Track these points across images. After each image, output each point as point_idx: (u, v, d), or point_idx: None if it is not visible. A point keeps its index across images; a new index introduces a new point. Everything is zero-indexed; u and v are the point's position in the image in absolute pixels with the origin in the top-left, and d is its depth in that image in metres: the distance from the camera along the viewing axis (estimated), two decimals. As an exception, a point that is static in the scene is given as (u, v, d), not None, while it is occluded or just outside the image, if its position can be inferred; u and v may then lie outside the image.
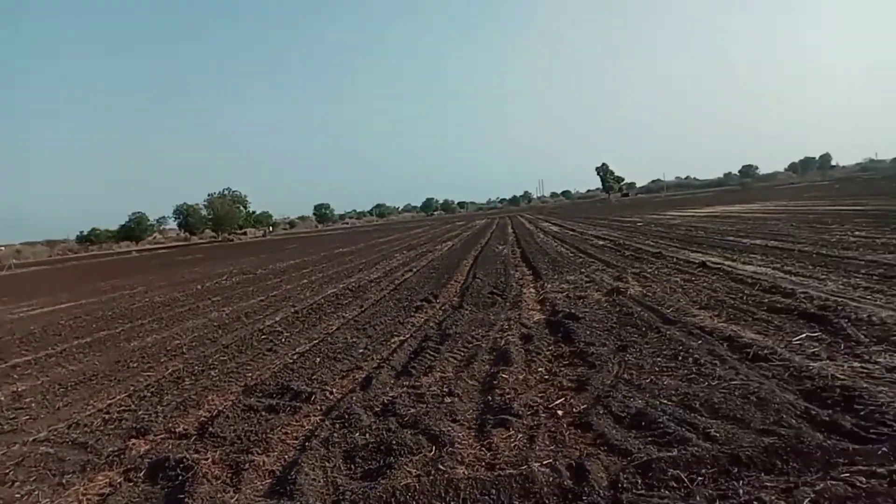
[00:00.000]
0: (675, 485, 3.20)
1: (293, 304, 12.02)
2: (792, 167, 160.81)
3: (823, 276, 9.25)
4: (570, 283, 11.12)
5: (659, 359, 5.65)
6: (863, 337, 5.64)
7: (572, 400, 4.82)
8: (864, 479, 3.01)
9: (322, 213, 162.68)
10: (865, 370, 4.81)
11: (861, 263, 10.03)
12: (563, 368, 5.80)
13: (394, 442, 4.13)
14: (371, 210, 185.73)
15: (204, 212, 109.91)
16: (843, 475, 3.09)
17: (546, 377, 5.57)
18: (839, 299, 7.34)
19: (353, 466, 3.95)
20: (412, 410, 4.83)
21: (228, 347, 8.39)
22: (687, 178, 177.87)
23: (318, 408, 5.34)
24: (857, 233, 15.02)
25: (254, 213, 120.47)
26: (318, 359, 7.10)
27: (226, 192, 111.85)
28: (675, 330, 6.60)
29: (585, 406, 4.60)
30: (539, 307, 9.22)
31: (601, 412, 4.40)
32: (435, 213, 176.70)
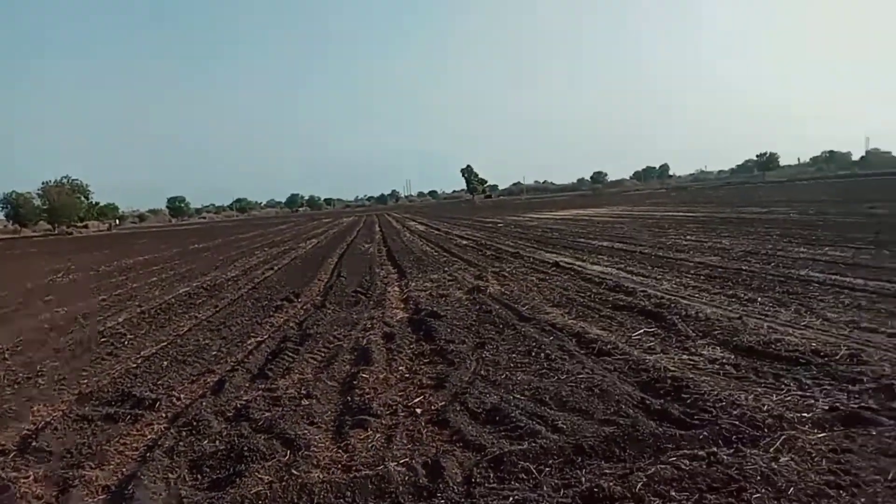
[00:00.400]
0: (524, 477, 3.34)
1: (139, 304, 11.13)
2: (636, 175, 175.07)
3: (660, 276, 10.14)
4: (434, 281, 11.30)
5: (514, 355, 5.89)
6: (691, 332, 6.23)
7: (431, 398, 4.88)
8: (687, 462, 3.32)
9: (176, 206, 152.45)
10: (692, 362, 5.32)
11: (691, 265, 11.11)
12: (423, 366, 5.87)
13: (245, 448, 3.94)
14: (231, 205, 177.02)
15: (38, 202, 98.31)
16: (671, 459, 3.39)
17: (407, 376, 5.60)
18: (672, 297, 8.08)
19: (199, 476, 3.72)
20: (267, 414, 4.64)
21: (61, 352, 7.58)
22: (545, 182, 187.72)
23: (164, 415, 4.97)
24: (688, 237, 16.64)
25: (97, 204, 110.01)
26: (166, 362, 6.63)
27: (64, 180, 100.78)
28: (530, 327, 6.92)
29: (444, 403, 4.68)
30: (403, 306, 9.27)
31: (458, 409, 4.49)
32: (300, 209, 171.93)
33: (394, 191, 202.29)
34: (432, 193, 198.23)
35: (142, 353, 7.22)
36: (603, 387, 4.68)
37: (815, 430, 3.66)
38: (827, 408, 3.99)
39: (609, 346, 5.84)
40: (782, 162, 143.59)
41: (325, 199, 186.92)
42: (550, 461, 3.49)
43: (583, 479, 3.25)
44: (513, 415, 4.24)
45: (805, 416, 3.85)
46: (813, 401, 4.15)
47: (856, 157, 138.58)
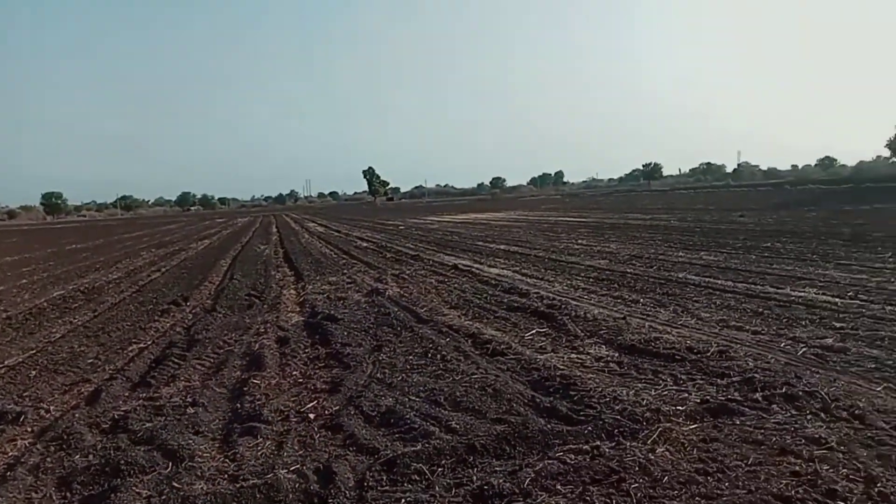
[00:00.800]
0: (417, 478, 3.35)
1: (5, 309, 10.17)
2: (533, 181, 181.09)
3: (552, 279, 10.53)
4: (332, 284, 11.12)
5: (411, 357, 5.90)
6: (580, 332, 6.51)
7: (325, 402, 4.79)
8: (573, 457, 3.47)
9: (52, 202, 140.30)
10: (580, 360, 5.56)
11: (581, 268, 11.63)
12: (318, 371, 5.76)
13: (122, 461, 3.69)
14: (115, 202, 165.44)
15: None
16: (558, 454, 3.52)
17: (301, 381, 5.47)
18: (563, 299, 8.41)
19: (68, 494, 3.43)
20: (148, 425, 4.37)
21: None
22: (446, 185, 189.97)
23: (30, 429, 4.57)
24: (579, 241, 17.40)
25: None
26: (34, 372, 6.10)
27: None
28: (428, 329, 6.96)
29: (338, 407, 4.61)
30: (299, 309, 9.06)
31: (353, 413, 4.44)
32: (192, 208, 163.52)
33: (292, 191, 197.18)
34: (333, 194, 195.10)
35: (5, 362, 6.59)
36: (496, 386, 4.79)
37: (688, 422, 3.93)
38: (699, 400, 4.29)
39: (503, 347, 5.99)
40: (665, 172, 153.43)
41: (220, 199, 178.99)
42: (443, 461, 3.52)
43: (474, 477, 3.31)
44: (407, 417, 4.25)
45: (679, 409, 4.12)
46: (686, 394, 4.45)
47: (729, 169, 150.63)
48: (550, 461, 3.42)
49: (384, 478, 3.37)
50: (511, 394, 4.61)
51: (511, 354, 5.74)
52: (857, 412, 3.92)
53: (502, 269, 12.34)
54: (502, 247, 16.96)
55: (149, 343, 7.18)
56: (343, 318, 7.81)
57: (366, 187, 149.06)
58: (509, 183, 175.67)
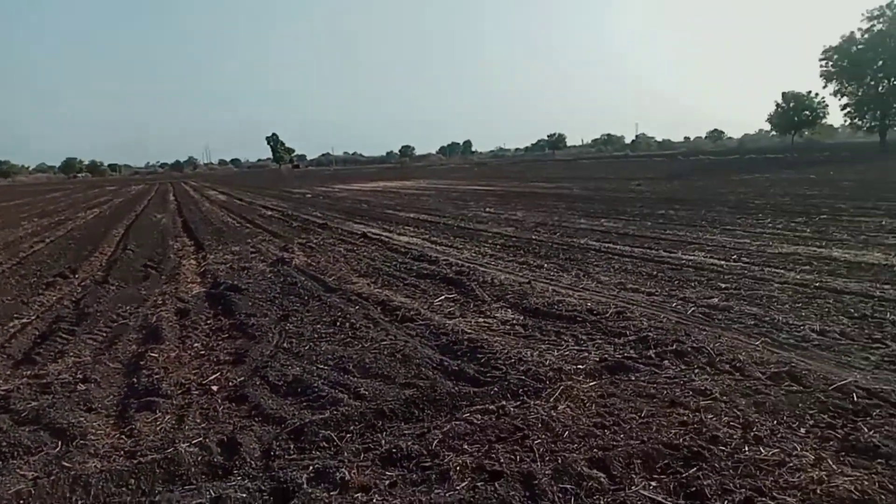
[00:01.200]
0: (325, 445, 3.33)
1: None
2: (442, 150, 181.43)
3: (461, 246, 10.67)
4: (235, 254, 10.73)
5: (319, 326, 5.82)
6: (487, 297, 6.65)
7: (229, 373, 4.65)
8: (479, 417, 3.56)
9: None
10: (487, 324, 5.69)
11: (489, 235, 11.84)
12: (221, 342, 5.57)
13: (4, 443, 3.43)
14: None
15: None
16: (465, 415, 3.60)
17: (202, 353, 5.27)
18: (472, 265, 8.55)
19: (-59, 483, 3.16)
20: (33, 404, 4.07)
21: None
22: (354, 153, 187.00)
23: None
24: (487, 209, 17.67)
25: None
26: None
27: None
28: (336, 297, 6.88)
29: (243, 378, 4.49)
30: (200, 280, 8.69)
31: (258, 383, 4.34)
32: (79, 175, 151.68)
33: (191, 157, 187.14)
34: (235, 161, 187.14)
35: None
36: (405, 352, 4.81)
37: (588, 380, 4.12)
38: (598, 359, 4.50)
39: (412, 313, 6.02)
40: (569, 142, 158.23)
41: (110, 165, 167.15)
42: (352, 427, 3.52)
43: (383, 441, 3.33)
44: (315, 385, 4.20)
45: (580, 368, 4.31)
46: (587, 354, 4.66)
47: (628, 140, 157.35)
48: (458, 422, 3.50)
49: (291, 446, 3.32)
50: (420, 359, 4.65)
51: (420, 320, 5.78)
52: (738, 365, 4.24)
53: (412, 237, 12.35)
54: (412, 215, 16.95)
55: (33, 318, 6.67)
56: (247, 288, 7.57)
57: (270, 154, 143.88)
58: (418, 152, 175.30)
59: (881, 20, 54.15)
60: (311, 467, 3.06)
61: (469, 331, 5.37)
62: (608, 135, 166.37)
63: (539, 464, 3.00)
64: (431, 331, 5.44)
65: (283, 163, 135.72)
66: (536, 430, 3.36)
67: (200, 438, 3.45)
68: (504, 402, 3.75)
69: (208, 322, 6.25)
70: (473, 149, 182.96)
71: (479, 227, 13.36)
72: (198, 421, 3.79)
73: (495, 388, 3.96)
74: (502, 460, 3.05)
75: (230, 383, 4.45)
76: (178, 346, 5.43)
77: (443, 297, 6.77)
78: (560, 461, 3.00)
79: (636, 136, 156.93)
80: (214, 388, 4.36)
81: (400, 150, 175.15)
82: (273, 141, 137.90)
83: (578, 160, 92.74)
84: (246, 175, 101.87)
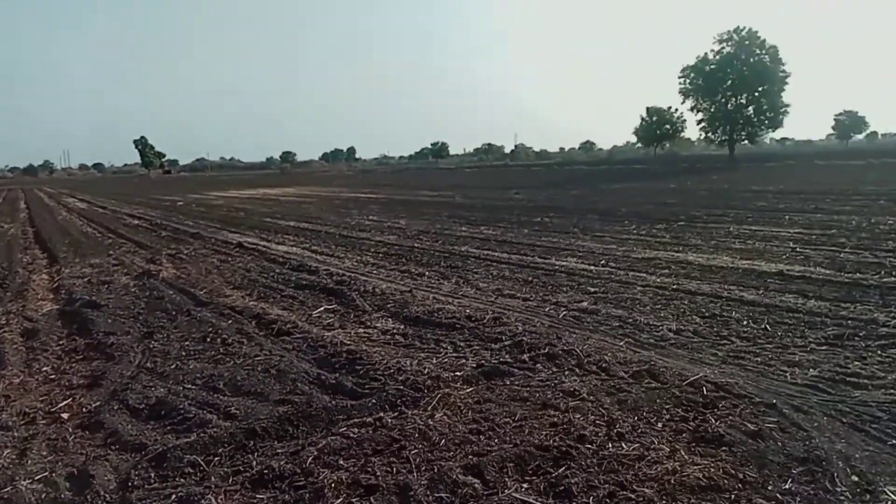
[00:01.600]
0: (190, 470, 3.13)
1: None
2: (325, 157, 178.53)
3: (343, 255, 10.52)
4: (95, 266, 9.91)
5: (187, 342, 5.50)
6: (367, 306, 6.59)
7: (83, 399, 4.27)
8: (356, 430, 3.50)
9: None
10: (367, 334, 5.63)
11: (372, 243, 11.77)
12: (75, 364, 5.11)
13: None
14: None
15: None
16: (341, 430, 3.53)
17: (52, 377, 4.81)
18: (353, 274, 8.44)
19: None
20: None
21: None
22: (231, 159, 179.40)
23: None
24: (370, 217, 17.58)
25: None
26: None
27: None
28: (207, 312, 6.54)
29: (98, 403, 4.13)
30: (52, 296, 7.94)
31: (116, 407, 4.02)
32: None
33: (46, 161, 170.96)
34: (98, 166, 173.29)
35: None
36: (280, 367, 4.65)
37: (465, 386, 4.18)
38: (475, 365, 4.58)
39: (289, 326, 5.84)
40: (451, 151, 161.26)
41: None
42: (220, 450, 3.34)
43: (254, 462, 3.19)
44: (181, 407, 3.95)
45: (457, 375, 4.37)
46: (464, 360, 4.74)
47: (507, 150, 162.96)
48: (334, 437, 3.42)
49: (152, 474, 3.10)
50: (296, 373, 4.52)
51: (297, 333, 5.62)
52: (604, 365, 4.48)
53: (291, 246, 12.02)
54: (292, 223, 16.51)
55: None
56: (107, 304, 7.01)
57: (138, 159, 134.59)
58: (300, 158, 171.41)
59: (730, 43, 59.89)
60: (173, 496, 2.87)
61: (348, 342, 5.28)
62: (489, 144, 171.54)
63: (415, 474, 3.00)
64: (309, 344, 5.30)
65: (152, 168, 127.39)
66: (413, 440, 3.36)
67: (46, 473, 3.13)
68: (382, 414, 3.72)
69: (60, 343, 5.72)
70: (357, 156, 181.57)
71: (361, 235, 13.24)
72: (44, 454, 3.44)
73: (373, 400, 3.92)
74: (378, 473, 3.02)
75: (84, 409, 4.08)
76: (22, 371, 4.92)
77: (322, 309, 6.62)
78: (436, 470, 3.01)
79: (515, 147, 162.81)
80: (65, 415, 3.98)
81: (281, 156, 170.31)
82: (142, 144, 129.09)
83: (461, 168, 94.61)
84: (111, 181, 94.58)
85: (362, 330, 5.80)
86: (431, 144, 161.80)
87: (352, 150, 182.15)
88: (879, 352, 4.67)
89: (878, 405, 3.74)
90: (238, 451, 3.34)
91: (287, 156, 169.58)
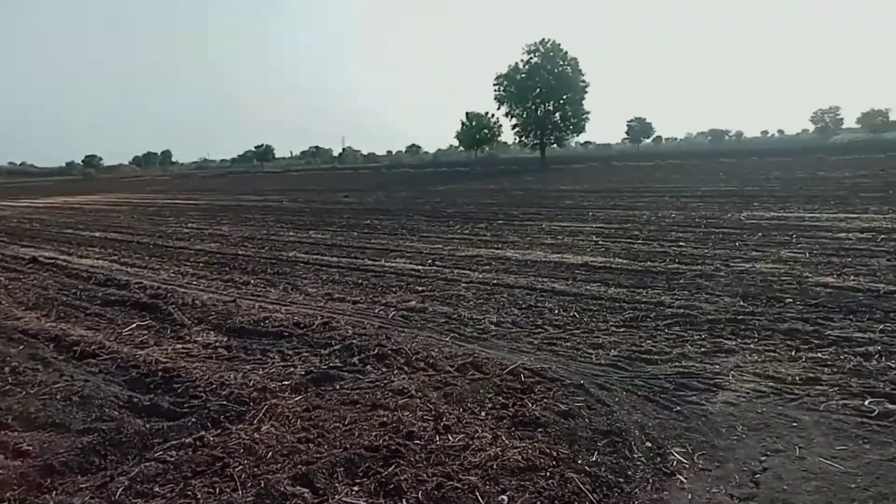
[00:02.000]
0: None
1: None
2: (136, 160, 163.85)
3: (158, 266, 9.76)
4: None
5: (-35, 376, 4.76)
6: (187, 320, 6.18)
7: None
8: (174, 453, 3.28)
9: None
10: (186, 350, 5.29)
11: (191, 252, 11.05)
12: None
13: None
14: None
15: None
16: (157, 454, 3.29)
17: None
18: (170, 287, 7.86)
19: None
20: None
21: None
22: (23, 164, 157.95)
23: None
24: (189, 224, 16.48)
25: None
26: None
27: None
28: (-9, 338, 5.71)
29: None
30: None
31: None
32: None
33: None
34: None
35: None
36: (84, 393, 4.21)
37: (293, 395, 4.09)
38: (304, 372, 4.50)
39: (94, 347, 5.29)
40: (277, 154, 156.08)
41: None
42: (9, 494, 2.95)
43: (52, 502, 2.86)
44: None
45: (286, 384, 4.26)
46: (293, 368, 4.63)
47: (335, 152, 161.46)
48: (148, 463, 3.17)
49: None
50: (103, 398, 4.11)
51: (105, 355, 5.11)
52: (431, 361, 4.64)
53: (97, 259, 10.90)
54: (98, 234, 14.97)
55: None
56: None
57: None
58: (107, 162, 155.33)
59: (537, 54, 64.40)
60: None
61: (164, 360, 4.92)
62: (317, 147, 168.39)
63: (240, 492, 2.88)
64: (119, 365, 4.85)
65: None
66: (238, 456, 3.22)
67: None
68: (203, 433, 3.52)
69: None
70: (174, 159, 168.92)
71: (179, 244, 12.36)
72: None
73: (193, 419, 3.70)
74: (199, 496, 2.86)
75: None
76: None
77: (134, 325, 6.09)
78: (262, 485, 2.92)
79: (343, 149, 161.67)
80: None
81: (84, 161, 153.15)
82: None
83: (288, 172, 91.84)
84: None
85: (181, 345, 5.44)
86: (255, 147, 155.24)
87: (167, 154, 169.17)
88: (666, 330, 5.33)
89: (665, 377, 4.28)
90: (32, 492, 2.97)
91: (91, 160, 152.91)
